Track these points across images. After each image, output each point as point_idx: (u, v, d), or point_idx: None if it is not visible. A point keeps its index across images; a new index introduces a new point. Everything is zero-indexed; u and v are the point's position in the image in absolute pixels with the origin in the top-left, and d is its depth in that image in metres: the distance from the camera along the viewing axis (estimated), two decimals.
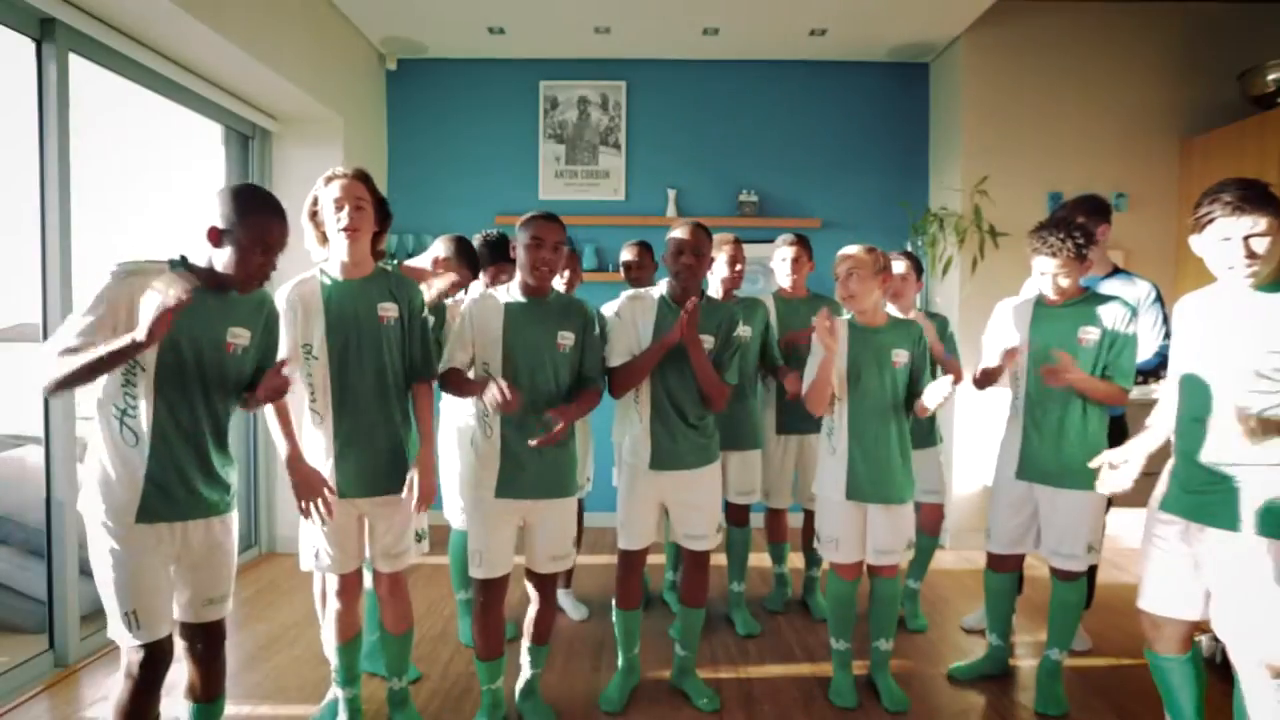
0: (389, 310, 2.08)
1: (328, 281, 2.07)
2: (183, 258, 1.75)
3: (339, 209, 2.00)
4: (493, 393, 1.98)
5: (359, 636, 2.23)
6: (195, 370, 1.71)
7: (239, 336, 1.78)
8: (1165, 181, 4.17)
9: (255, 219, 1.70)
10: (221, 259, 1.71)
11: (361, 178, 2.05)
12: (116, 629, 1.70)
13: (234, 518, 1.88)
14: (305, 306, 2.04)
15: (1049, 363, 2.34)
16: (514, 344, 2.16)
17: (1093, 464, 2.08)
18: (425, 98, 4.61)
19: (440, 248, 2.54)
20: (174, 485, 1.71)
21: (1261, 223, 1.70)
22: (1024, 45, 4.18)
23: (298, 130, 3.96)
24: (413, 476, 2.09)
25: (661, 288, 2.43)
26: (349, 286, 2.07)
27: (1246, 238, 1.71)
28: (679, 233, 2.35)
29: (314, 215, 2.08)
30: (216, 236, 1.70)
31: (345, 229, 2.00)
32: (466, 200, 4.58)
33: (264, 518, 4.06)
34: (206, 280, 1.73)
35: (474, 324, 2.19)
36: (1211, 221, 1.76)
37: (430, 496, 2.13)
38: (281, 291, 2.06)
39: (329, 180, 2.04)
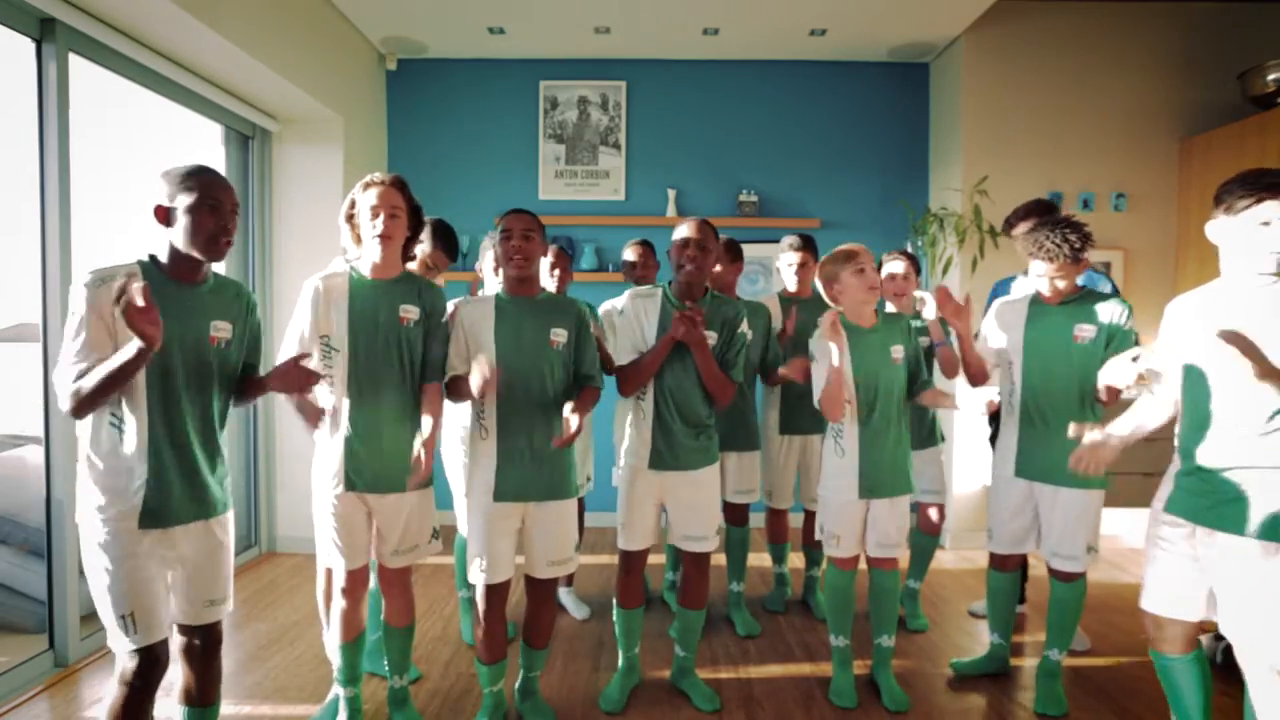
0: (410, 312, 2.13)
1: (356, 277, 2.12)
2: (151, 257, 1.75)
3: (375, 216, 2.06)
4: (478, 372, 1.98)
5: (363, 636, 2.24)
6: (182, 370, 1.71)
7: (222, 330, 1.79)
8: (1165, 181, 4.17)
9: (196, 181, 1.71)
10: (178, 237, 1.71)
11: (399, 186, 2.11)
12: (112, 634, 1.69)
13: (230, 517, 1.88)
14: (331, 298, 2.09)
15: (1046, 361, 2.36)
16: (505, 343, 2.17)
17: (1075, 441, 2.01)
18: (425, 98, 4.61)
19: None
20: (173, 489, 1.70)
21: None
22: (1024, 45, 4.18)
23: (298, 130, 3.96)
24: (417, 450, 2.08)
25: (666, 285, 2.44)
26: (376, 286, 2.12)
27: None
28: (684, 229, 2.37)
29: (350, 218, 2.13)
30: (164, 213, 1.71)
31: (380, 236, 2.06)
32: (466, 200, 4.58)
33: (264, 518, 4.04)
34: (175, 270, 1.73)
35: (467, 328, 2.20)
36: (1258, 202, 1.68)
37: (425, 471, 2.09)
38: (310, 280, 2.11)
39: (367, 186, 2.09)
